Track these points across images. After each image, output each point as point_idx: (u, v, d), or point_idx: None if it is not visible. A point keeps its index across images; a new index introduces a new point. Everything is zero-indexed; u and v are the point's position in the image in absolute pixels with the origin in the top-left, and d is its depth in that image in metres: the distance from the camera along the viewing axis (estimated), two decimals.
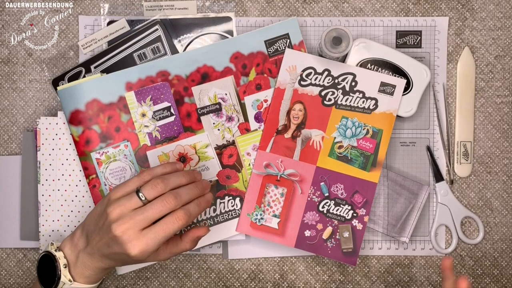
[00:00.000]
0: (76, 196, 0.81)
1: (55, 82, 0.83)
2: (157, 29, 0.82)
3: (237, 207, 0.81)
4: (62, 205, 0.81)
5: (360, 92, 0.81)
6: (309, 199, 0.80)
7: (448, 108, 0.85)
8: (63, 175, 0.81)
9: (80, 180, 0.81)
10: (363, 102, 0.81)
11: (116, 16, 0.84)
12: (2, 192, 0.83)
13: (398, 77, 0.81)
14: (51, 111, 0.84)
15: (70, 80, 0.82)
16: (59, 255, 0.70)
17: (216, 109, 0.81)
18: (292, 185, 0.80)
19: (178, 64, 0.81)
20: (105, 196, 0.70)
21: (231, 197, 0.81)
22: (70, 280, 0.70)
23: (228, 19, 0.84)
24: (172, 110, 0.81)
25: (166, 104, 0.81)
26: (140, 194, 0.67)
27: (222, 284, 0.84)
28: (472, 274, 0.85)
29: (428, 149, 0.84)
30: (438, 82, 0.85)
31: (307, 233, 0.80)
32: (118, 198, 0.67)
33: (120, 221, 0.65)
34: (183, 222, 0.66)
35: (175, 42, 0.83)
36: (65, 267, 0.70)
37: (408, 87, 0.81)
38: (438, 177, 0.84)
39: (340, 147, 0.81)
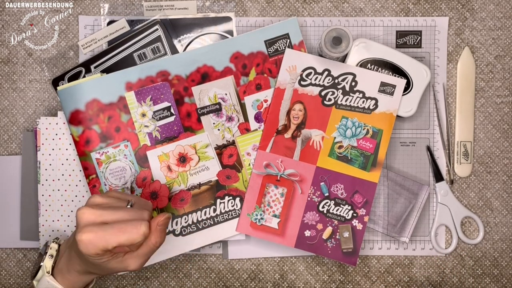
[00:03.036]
0: (76, 196, 0.81)
1: (55, 82, 0.83)
2: (157, 29, 0.82)
3: (237, 207, 0.81)
4: (62, 205, 0.81)
5: (360, 92, 0.81)
6: (309, 199, 0.80)
7: (448, 108, 0.85)
8: (63, 175, 0.81)
9: (80, 180, 0.81)
10: (363, 102, 0.81)
11: (116, 16, 0.84)
12: (2, 192, 0.83)
13: (398, 77, 0.81)
14: (51, 111, 0.84)
15: (70, 80, 0.82)
16: (52, 245, 0.72)
17: (216, 109, 0.81)
18: (292, 185, 0.80)
19: (178, 64, 0.81)
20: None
21: (231, 197, 0.81)
22: (48, 272, 0.70)
23: (228, 19, 0.84)
24: (172, 110, 0.81)
25: (166, 104, 0.81)
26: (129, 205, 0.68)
27: (222, 284, 0.84)
28: (472, 274, 0.85)
29: (428, 149, 0.84)
30: (438, 82, 0.85)
31: (307, 233, 0.80)
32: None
33: (90, 211, 0.65)
34: (144, 232, 0.63)
35: (175, 42, 0.83)
36: (50, 258, 0.70)
37: (408, 87, 0.81)
38: (438, 177, 0.84)
39: (340, 147, 0.81)
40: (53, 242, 0.72)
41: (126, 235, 0.63)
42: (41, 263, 0.71)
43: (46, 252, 0.71)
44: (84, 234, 0.63)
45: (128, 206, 0.67)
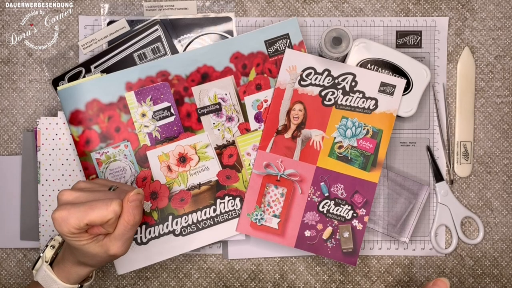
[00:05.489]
0: None
1: (55, 82, 0.83)
2: (157, 29, 0.82)
3: (237, 207, 0.81)
4: None
5: (360, 92, 0.81)
6: (309, 199, 0.80)
7: (448, 108, 0.85)
8: (63, 175, 0.81)
9: None
10: (363, 102, 0.81)
11: (116, 16, 0.84)
12: (2, 192, 0.83)
13: (398, 77, 0.81)
14: (51, 111, 0.84)
15: (70, 80, 0.82)
16: (56, 238, 0.73)
17: (216, 109, 0.81)
18: (292, 185, 0.80)
19: (178, 64, 0.81)
20: None
21: (231, 197, 0.81)
22: (47, 262, 0.71)
23: (228, 19, 0.84)
24: (172, 110, 0.81)
25: (166, 104, 0.81)
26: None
27: (222, 284, 0.84)
28: (472, 274, 0.85)
29: (428, 149, 0.84)
30: (438, 82, 0.85)
31: (307, 233, 0.80)
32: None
33: (69, 192, 0.67)
34: (114, 209, 0.63)
35: (175, 42, 0.83)
36: (52, 248, 0.72)
37: (408, 87, 0.81)
38: (438, 177, 0.84)
39: (340, 147, 0.81)
40: (58, 235, 0.73)
41: (96, 211, 0.63)
42: (41, 254, 0.72)
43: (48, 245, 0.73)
44: (58, 211, 0.64)
45: (111, 190, 0.68)
